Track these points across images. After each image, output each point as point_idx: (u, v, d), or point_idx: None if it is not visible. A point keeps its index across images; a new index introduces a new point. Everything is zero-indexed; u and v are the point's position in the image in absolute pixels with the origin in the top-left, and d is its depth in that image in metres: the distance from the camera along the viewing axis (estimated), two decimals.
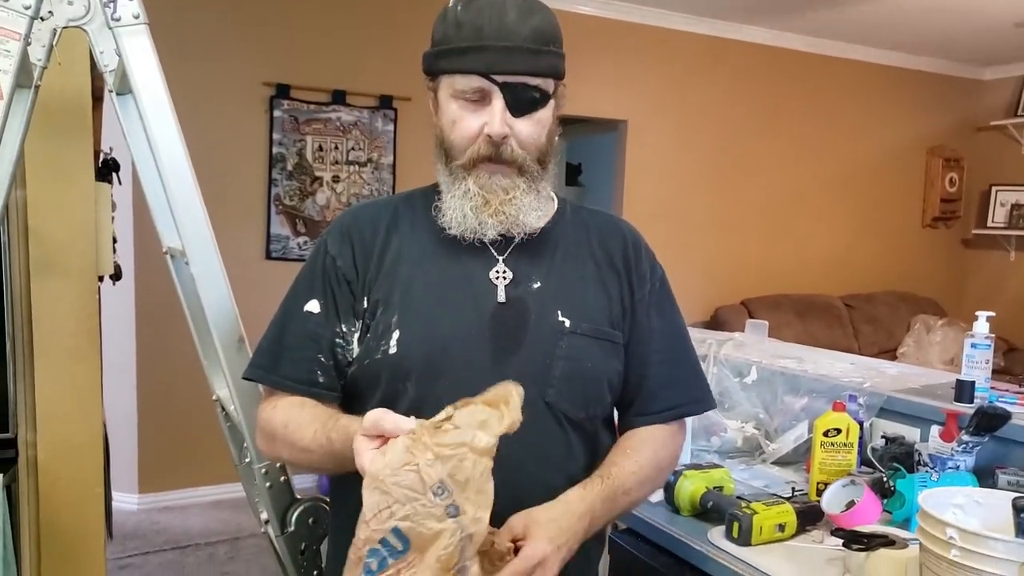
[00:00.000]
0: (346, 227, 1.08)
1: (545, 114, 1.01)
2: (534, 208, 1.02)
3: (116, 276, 2.05)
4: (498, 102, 0.96)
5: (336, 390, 1.04)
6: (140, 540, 3.35)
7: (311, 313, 1.03)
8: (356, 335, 1.04)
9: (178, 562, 3.18)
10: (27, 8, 1.11)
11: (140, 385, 3.64)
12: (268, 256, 3.77)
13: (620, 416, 1.13)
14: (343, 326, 1.04)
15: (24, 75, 1.27)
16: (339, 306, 1.04)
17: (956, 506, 1.06)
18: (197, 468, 3.69)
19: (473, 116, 0.98)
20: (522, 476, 0.99)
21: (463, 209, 1.00)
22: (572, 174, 6.06)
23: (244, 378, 1.09)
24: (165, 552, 3.26)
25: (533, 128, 0.99)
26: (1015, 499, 0.95)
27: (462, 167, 1.00)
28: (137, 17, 1.19)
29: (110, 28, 1.19)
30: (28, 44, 1.12)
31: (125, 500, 3.59)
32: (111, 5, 1.17)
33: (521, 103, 0.97)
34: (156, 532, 3.45)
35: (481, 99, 0.98)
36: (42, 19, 1.20)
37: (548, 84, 1.00)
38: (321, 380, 1.02)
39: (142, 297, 3.54)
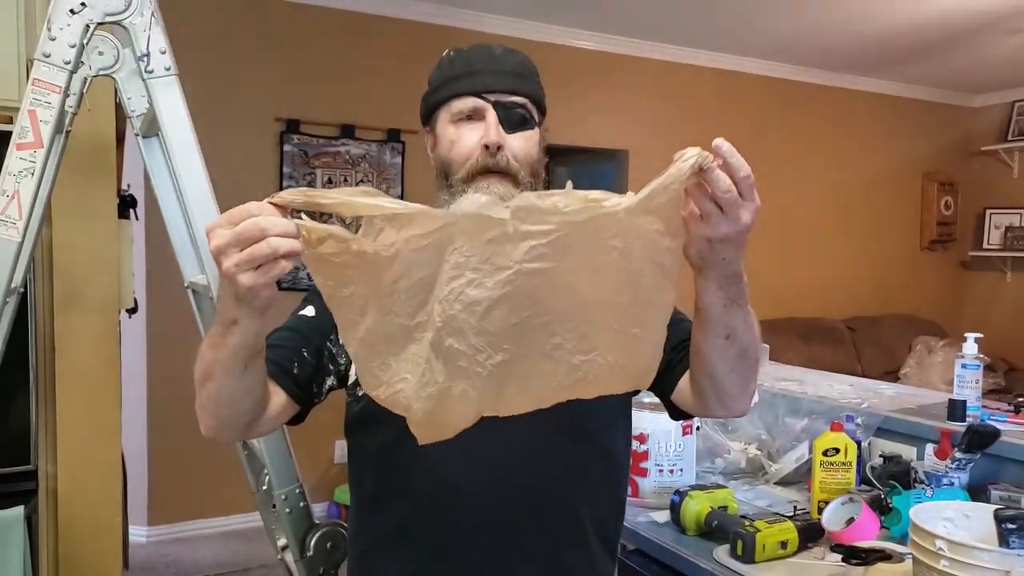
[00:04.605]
0: None
1: (534, 134, 1.09)
2: None
3: (132, 309, 2.12)
4: (491, 117, 1.05)
5: (306, 391, 1.05)
6: (149, 573, 3.37)
7: (305, 316, 1.09)
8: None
9: None
10: (67, 63, 1.19)
11: (151, 416, 3.68)
12: (279, 286, 3.82)
13: (669, 392, 1.09)
14: (338, 336, 1.04)
15: (58, 123, 1.35)
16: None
17: (946, 519, 1.12)
18: (207, 499, 3.72)
19: (469, 132, 1.06)
20: (536, 493, 1.04)
21: None
22: None
23: None
24: None
25: (525, 143, 1.07)
26: (996, 510, 1.00)
27: (462, 180, 1.06)
28: (168, 69, 1.27)
29: (143, 79, 1.27)
30: (67, 96, 1.20)
31: (135, 532, 3.61)
32: (145, 59, 1.25)
33: (512, 120, 1.06)
34: (166, 564, 3.47)
35: (475, 117, 1.06)
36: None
37: (533, 110, 1.10)
38: (296, 372, 1.04)
39: (154, 329, 3.61)
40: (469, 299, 0.77)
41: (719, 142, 0.75)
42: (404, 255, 0.78)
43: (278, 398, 1.02)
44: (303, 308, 1.12)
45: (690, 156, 0.73)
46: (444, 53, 1.12)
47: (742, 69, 4.99)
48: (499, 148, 1.05)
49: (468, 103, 1.06)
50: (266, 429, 1.06)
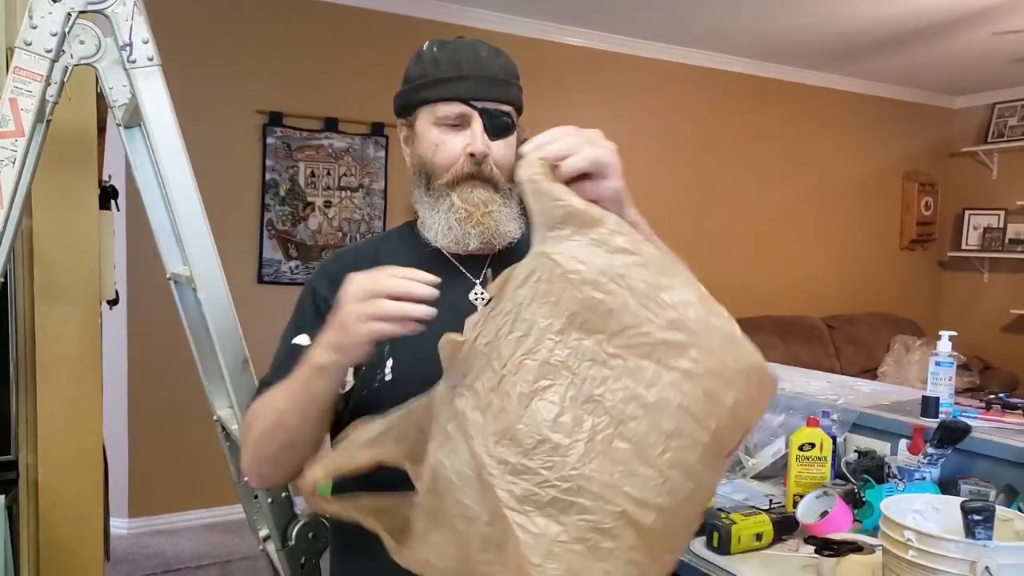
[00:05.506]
0: (330, 270, 1.16)
1: (514, 139, 1.11)
2: (511, 219, 1.11)
3: (114, 300, 2.11)
4: (477, 125, 1.07)
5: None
6: (130, 564, 3.36)
7: (300, 346, 1.09)
8: (350, 368, 1.08)
9: None
10: (48, 52, 1.19)
11: (131, 408, 3.67)
12: (260, 280, 3.82)
13: None
14: None
15: (39, 111, 1.34)
16: None
17: (916, 512, 1.14)
18: (188, 491, 3.71)
19: (455, 138, 1.07)
20: None
21: (448, 222, 1.08)
22: None
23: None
24: None
25: (507, 150, 1.09)
26: (963, 502, 1.03)
27: (445, 185, 1.08)
28: (151, 59, 1.27)
29: (125, 69, 1.27)
30: (48, 85, 1.20)
31: (115, 524, 3.60)
32: (127, 48, 1.25)
33: (497, 127, 1.08)
34: (146, 556, 3.46)
35: (461, 124, 1.07)
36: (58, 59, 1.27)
37: (515, 116, 1.12)
38: None
39: (134, 320, 3.59)
40: (514, 433, 0.72)
41: (521, 149, 0.87)
42: (439, 474, 0.76)
43: None
44: (295, 335, 1.11)
45: (529, 160, 0.81)
46: (425, 46, 1.11)
47: (727, 67, 5.02)
48: (484, 156, 1.06)
49: (455, 109, 1.07)
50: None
